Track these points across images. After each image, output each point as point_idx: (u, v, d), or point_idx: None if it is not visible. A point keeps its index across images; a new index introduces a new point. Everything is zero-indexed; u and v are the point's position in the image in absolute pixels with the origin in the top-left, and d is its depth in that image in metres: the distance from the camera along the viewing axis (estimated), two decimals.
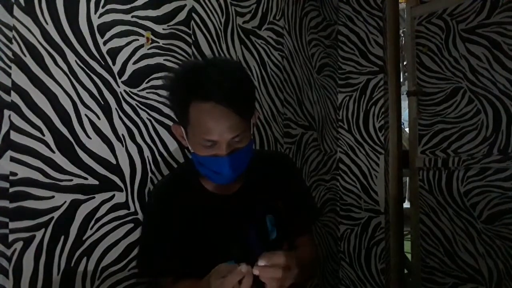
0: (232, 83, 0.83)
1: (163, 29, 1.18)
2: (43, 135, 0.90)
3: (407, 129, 2.22)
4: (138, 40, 1.11)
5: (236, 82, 0.84)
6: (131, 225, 1.07)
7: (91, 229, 0.99)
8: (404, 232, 2.01)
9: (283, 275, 0.74)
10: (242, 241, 0.95)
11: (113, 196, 1.04)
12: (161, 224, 0.97)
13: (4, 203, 0.83)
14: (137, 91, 1.10)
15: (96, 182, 1.00)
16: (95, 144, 1.00)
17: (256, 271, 0.73)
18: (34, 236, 0.88)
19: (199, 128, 0.83)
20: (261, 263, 0.74)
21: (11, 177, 0.85)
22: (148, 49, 1.13)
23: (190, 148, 0.90)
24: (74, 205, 0.95)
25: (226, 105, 0.81)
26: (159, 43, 1.16)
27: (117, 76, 1.06)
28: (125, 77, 1.07)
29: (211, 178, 0.91)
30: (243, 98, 0.86)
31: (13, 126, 0.85)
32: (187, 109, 0.84)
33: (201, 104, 0.82)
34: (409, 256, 1.99)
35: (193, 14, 1.27)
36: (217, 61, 0.92)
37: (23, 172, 0.86)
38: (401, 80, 2.14)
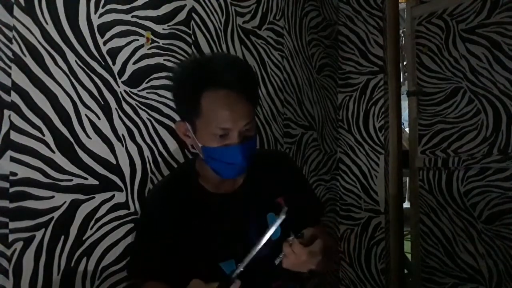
0: (241, 71, 0.86)
1: (163, 29, 1.18)
2: (43, 135, 0.90)
3: (407, 129, 2.22)
4: (138, 40, 1.11)
5: (244, 71, 0.88)
6: (131, 225, 1.07)
7: (91, 229, 0.99)
8: (404, 232, 2.01)
9: (305, 259, 0.78)
10: (243, 240, 0.95)
11: (113, 196, 1.04)
12: (157, 225, 0.97)
13: (4, 203, 0.83)
14: (137, 91, 1.11)
15: (96, 182, 1.00)
16: (95, 144, 1.00)
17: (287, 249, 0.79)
18: (34, 236, 0.88)
19: (212, 117, 0.84)
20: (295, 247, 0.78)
21: (11, 177, 0.85)
22: (148, 49, 1.13)
23: (197, 143, 0.90)
24: (74, 205, 0.96)
25: (239, 92, 0.83)
26: (159, 43, 1.16)
27: (117, 76, 1.06)
28: (125, 77, 1.07)
29: (222, 172, 0.91)
30: (252, 85, 0.89)
31: (13, 126, 0.85)
32: (198, 100, 0.84)
33: (215, 92, 0.83)
34: (409, 256, 1.99)
35: (193, 14, 1.27)
36: (221, 54, 0.96)
37: (23, 172, 0.86)
38: (401, 80, 2.14)
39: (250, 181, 0.99)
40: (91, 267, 0.99)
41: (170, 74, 0.93)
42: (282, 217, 0.79)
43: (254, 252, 0.82)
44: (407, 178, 2.46)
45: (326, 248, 0.83)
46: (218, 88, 0.83)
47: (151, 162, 1.13)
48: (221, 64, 0.85)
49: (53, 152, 0.92)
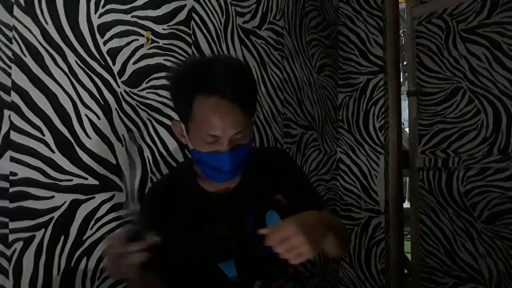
0: (238, 78, 0.84)
1: (163, 29, 1.18)
2: (43, 135, 0.90)
3: (407, 129, 2.22)
4: (138, 40, 1.11)
5: (241, 78, 0.85)
6: None
7: (91, 229, 0.99)
8: (404, 232, 2.01)
9: (295, 239, 0.70)
10: (241, 239, 0.95)
11: (113, 196, 1.04)
12: (155, 223, 0.97)
13: (4, 203, 0.83)
14: (137, 91, 1.11)
15: (96, 182, 1.00)
16: (95, 144, 1.00)
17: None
18: (34, 236, 0.88)
19: (202, 123, 0.83)
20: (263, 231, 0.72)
21: (11, 177, 0.85)
22: (148, 49, 1.13)
23: (189, 144, 0.90)
24: (74, 205, 0.96)
25: (232, 100, 0.82)
26: (159, 43, 1.16)
27: (117, 76, 1.06)
28: (125, 77, 1.07)
29: (211, 176, 0.90)
30: (247, 94, 0.87)
31: (13, 126, 0.85)
32: (190, 103, 0.83)
33: (206, 98, 0.82)
34: (409, 256, 1.99)
35: (193, 14, 1.27)
36: (221, 57, 0.94)
37: (23, 172, 0.86)
38: (401, 80, 2.14)
39: (247, 179, 0.99)
40: (91, 267, 0.99)
41: (169, 73, 0.93)
42: None
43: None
44: (407, 178, 2.46)
45: (328, 225, 0.79)
46: (210, 94, 0.81)
47: (151, 162, 1.14)
48: (217, 69, 0.83)
49: (53, 152, 0.92)
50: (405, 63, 2.03)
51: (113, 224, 1.04)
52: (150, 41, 1.13)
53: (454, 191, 1.73)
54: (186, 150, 1.23)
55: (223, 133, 0.83)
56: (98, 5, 1.01)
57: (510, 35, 1.58)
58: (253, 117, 0.92)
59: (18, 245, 0.86)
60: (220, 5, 1.36)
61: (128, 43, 1.08)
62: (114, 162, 1.04)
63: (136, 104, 1.10)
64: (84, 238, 0.97)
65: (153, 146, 1.14)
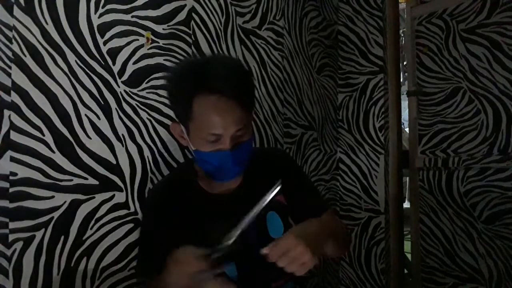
0: (237, 77, 0.85)
1: (163, 29, 1.18)
2: (43, 135, 0.90)
3: (407, 129, 2.22)
4: (138, 40, 1.11)
5: (239, 76, 0.86)
6: (131, 225, 1.08)
7: (91, 229, 0.99)
8: (404, 232, 2.01)
9: (296, 251, 0.71)
10: (242, 241, 0.95)
11: (113, 196, 1.04)
12: (157, 224, 0.97)
13: (4, 203, 0.83)
14: (137, 91, 1.11)
15: (96, 182, 1.00)
16: (95, 144, 1.00)
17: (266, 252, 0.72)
18: (34, 236, 0.88)
19: (203, 122, 0.83)
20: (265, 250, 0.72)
21: (11, 177, 0.85)
22: (148, 49, 1.13)
23: (191, 145, 0.90)
24: (74, 205, 0.96)
25: (231, 97, 0.82)
26: (159, 43, 1.16)
27: (117, 76, 1.06)
28: (125, 77, 1.07)
29: (214, 175, 0.90)
30: (246, 91, 0.87)
31: (13, 126, 0.85)
32: (190, 103, 0.83)
33: (206, 97, 0.82)
34: (409, 256, 1.99)
35: (193, 14, 1.27)
36: (219, 57, 0.95)
37: (23, 172, 0.86)
38: (401, 80, 2.14)
39: (248, 180, 0.99)
40: (91, 267, 0.99)
41: (166, 74, 0.93)
42: (277, 189, 0.76)
43: (245, 223, 0.78)
44: (407, 178, 2.46)
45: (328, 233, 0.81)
46: (209, 93, 0.82)
47: (151, 162, 1.13)
48: (215, 68, 0.84)
49: (53, 152, 0.92)
50: (405, 63, 2.03)
51: (113, 224, 1.04)
52: (150, 41, 1.13)
53: (454, 191, 1.73)
54: (186, 150, 1.23)
55: (225, 131, 0.83)
56: (98, 5, 1.01)
57: (510, 35, 1.58)
58: (252, 114, 0.93)
59: (18, 245, 0.86)
60: (220, 5, 1.36)
61: (128, 43, 1.08)
62: (114, 162, 1.04)
63: (136, 104, 1.10)
64: (84, 238, 0.97)
65: (153, 146, 1.14)
